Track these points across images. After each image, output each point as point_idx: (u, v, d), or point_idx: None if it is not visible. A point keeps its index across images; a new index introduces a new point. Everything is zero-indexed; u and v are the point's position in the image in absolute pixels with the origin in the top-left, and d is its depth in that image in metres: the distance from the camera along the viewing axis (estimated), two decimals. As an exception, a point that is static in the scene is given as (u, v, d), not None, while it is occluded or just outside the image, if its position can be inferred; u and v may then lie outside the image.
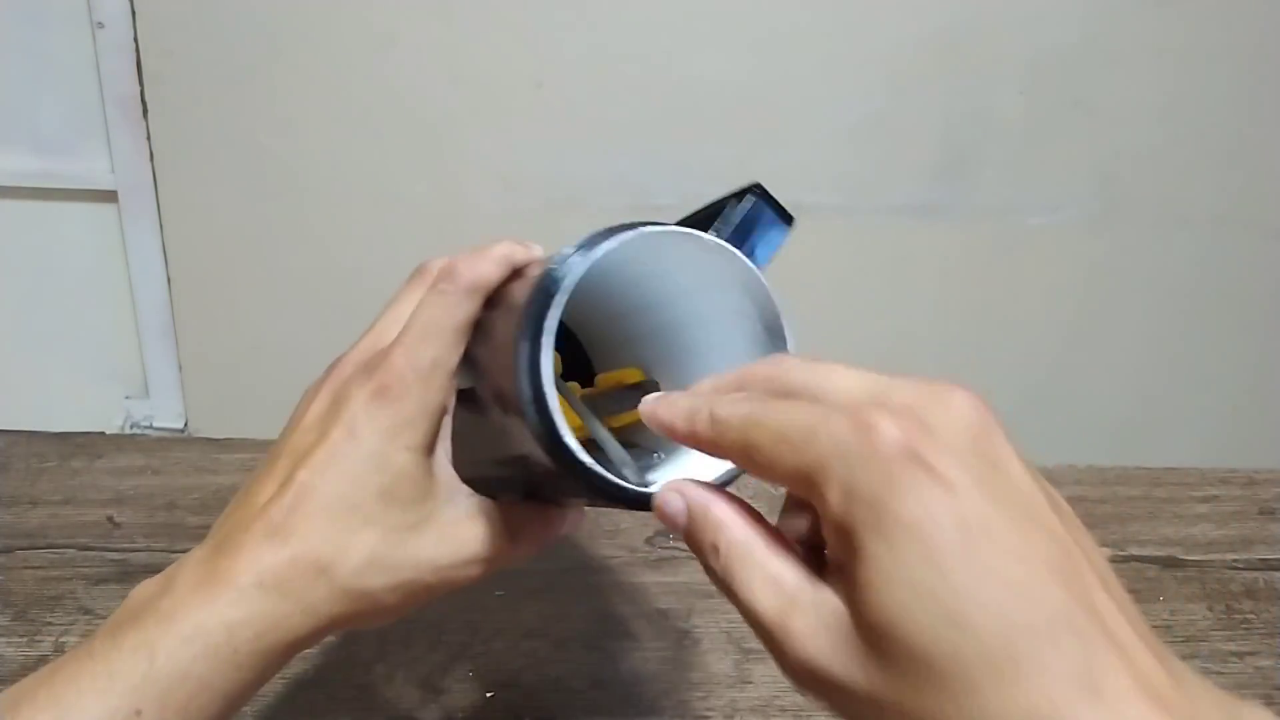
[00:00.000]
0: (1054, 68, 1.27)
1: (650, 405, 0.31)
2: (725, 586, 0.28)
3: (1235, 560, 0.56)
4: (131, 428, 1.42)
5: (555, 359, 0.33)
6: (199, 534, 0.57)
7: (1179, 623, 0.51)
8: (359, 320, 0.42)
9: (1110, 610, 0.24)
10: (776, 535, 0.28)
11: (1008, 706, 0.22)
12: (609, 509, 0.37)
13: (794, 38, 1.25)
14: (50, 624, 0.49)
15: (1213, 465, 0.63)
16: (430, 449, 0.35)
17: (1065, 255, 1.36)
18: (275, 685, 0.48)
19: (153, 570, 0.52)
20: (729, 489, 0.31)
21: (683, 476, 0.31)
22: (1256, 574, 0.55)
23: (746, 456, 0.27)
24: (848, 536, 0.25)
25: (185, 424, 1.43)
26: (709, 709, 0.46)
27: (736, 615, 0.27)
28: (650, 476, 0.35)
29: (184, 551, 0.54)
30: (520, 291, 0.35)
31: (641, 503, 0.32)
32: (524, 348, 0.31)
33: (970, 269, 1.37)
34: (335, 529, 0.33)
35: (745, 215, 0.38)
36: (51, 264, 1.37)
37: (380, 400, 0.34)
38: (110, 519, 0.57)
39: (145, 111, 1.27)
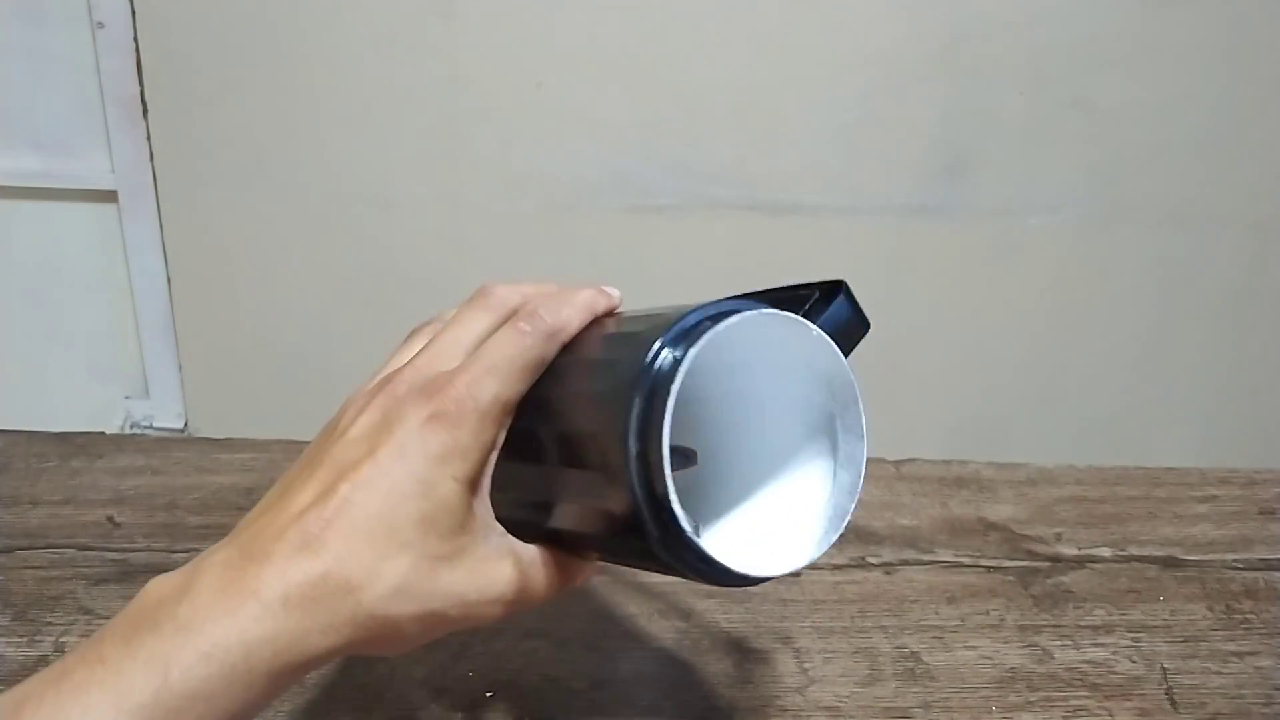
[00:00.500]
0: (1054, 68, 1.27)
1: None
2: None
3: (1235, 560, 0.56)
4: (131, 428, 1.42)
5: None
6: (199, 534, 0.57)
7: (1179, 623, 0.51)
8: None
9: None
10: None
11: None
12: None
13: (794, 38, 1.25)
14: (50, 624, 0.49)
15: (1213, 465, 0.64)
16: (475, 483, 0.35)
17: (1065, 255, 1.36)
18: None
19: (153, 570, 0.52)
20: None
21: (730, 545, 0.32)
22: (1256, 574, 0.55)
23: None
24: None
25: (185, 424, 1.43)
26: (709, 709, 0.46)
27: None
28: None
29: (184, 552, 0.55)
30: (618, 347, 0.35)
31: (726, 580, 0.33)
32: (639, 406, 0.31)
33: (970, 269, 1.37)
34: (370, 550, 0.32)
35: (833, 312, 0.38)
36: (51, 264, 1.38)
37: (435, 426, 0.33)
38: (110, 519, 0.58)
39: (145, 111, 1.27)
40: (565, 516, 0.35)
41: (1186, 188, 1.34)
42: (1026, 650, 0.49)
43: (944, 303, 1.38)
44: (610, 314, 0.38)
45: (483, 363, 0.35)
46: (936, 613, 0.51)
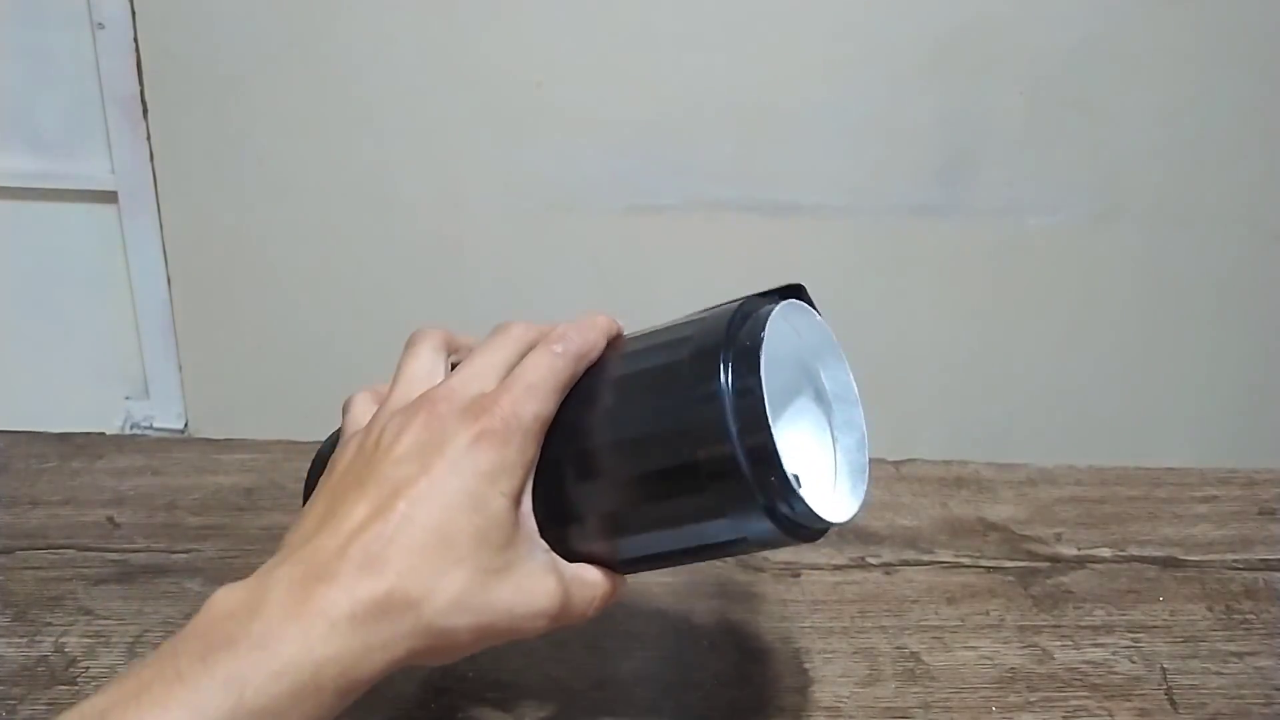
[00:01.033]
0: (1054, 68, 1.27)
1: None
2: None
3: (1235, 560, 0.56)
4: (131, 428, 1.42)
5: None
6: (199, 534, 0.57)
7: (1179, 623, 0.51)
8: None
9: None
10: None
11: None
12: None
13: (794, 38, 1.25)
14: (50, 624, 0.49)
15: (1213, 465, 0.63)
16: (520, 499, 0.36)
17: (1065, 255, 1.36)
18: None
19: (153, 570, 0.52)
20: None
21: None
22: (1256, 574, 0.55)
23: None
24: None
25: (185, 424, 1.43)
26: (709, 709, 0.46)
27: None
28: None
29: (184, 552, 0.55)
30: (673, 344, 0.37)
31: (801, 535, 0.36)
32: (738, 394, 0.34)
33: (970, 269, 1.37)
34: (429, 565, 0.33)
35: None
36: (51, 264, 1.38)
37: (484, 444, 0.35)
38: (110, 519, 0.58)
39: (145, 111, 1.27)
40: (628, 519, 0.37)
41: (1186, 188, 1.34)
42: (1026, 650, 0.49)
43: (943, 303, 1.38)
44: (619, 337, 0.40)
45: (522, 382, 0.37)
46: (936, 613, 0.51)
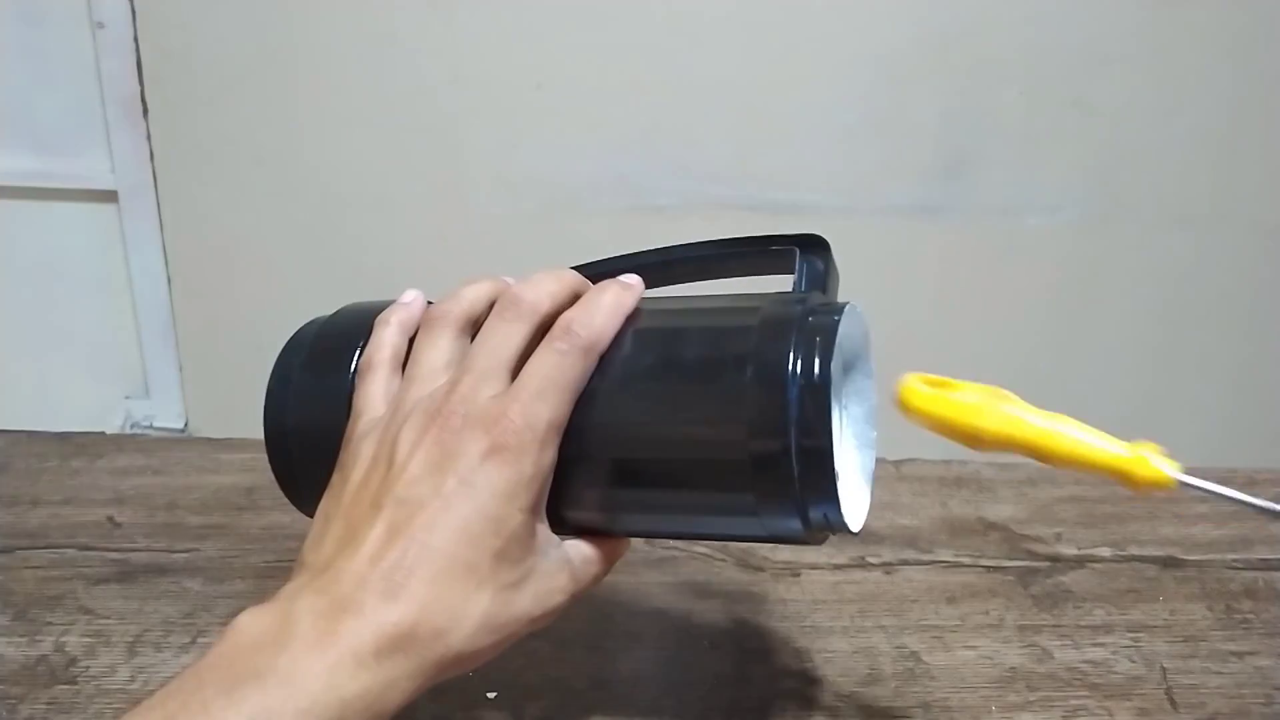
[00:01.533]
0: (1054, 68, 1.27)
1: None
2: None
3: (1235, 560, 0.56)
4: (131, 428, 1.42)
5: None
6: (199, 534, 0.57)
7: (1179, 623, 0.51)
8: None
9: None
10: None
11: None
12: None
13: (794, 38, 1.25)
14: (50, 624, 0.49)
15: (1213, 465, 0.63)
16: (538, 509, 0.35)
17: (1065, 255, 1.36)
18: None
19: (153, 570, 0.52)
20: None
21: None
22: (1256, 574, 0.55)
23: None
24: None
25: (185, 424, 1.43)
26: (709, 709, 0.46)
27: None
28: None
29: (184, 552, 0.54)
30: (722, 328, 0.37)
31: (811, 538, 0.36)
32: (807, 391, 0.34)
33: (970, 269, 1.37)
34: (454, 594, 0.33)
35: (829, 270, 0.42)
36: (51, 264, 1.38)
37: (497, 459, 0.34)
38: (110, 519, 0.57)
39: (145, 111, 1.27)
40: (648, 503, 0.37)
41: (1186, 188, 1.34)
42: (1026, 650, 0.49)
43: (943, 302, 1.38)
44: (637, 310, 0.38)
45: (530, 389, 0.35)
46: (936, 612, 0.51)
